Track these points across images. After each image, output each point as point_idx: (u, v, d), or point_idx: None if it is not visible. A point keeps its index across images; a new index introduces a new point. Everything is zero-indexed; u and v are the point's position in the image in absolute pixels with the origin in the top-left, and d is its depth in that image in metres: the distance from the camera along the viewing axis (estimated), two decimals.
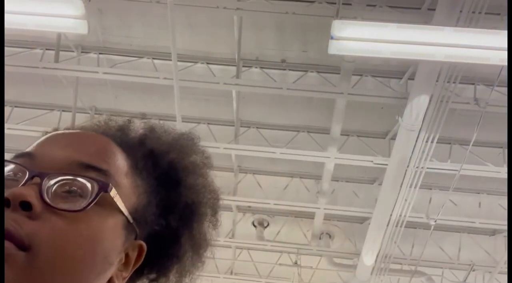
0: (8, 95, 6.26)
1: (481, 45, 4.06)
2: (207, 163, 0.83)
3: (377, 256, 6.97)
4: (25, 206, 0.59)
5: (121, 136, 0.76)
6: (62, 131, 0.72)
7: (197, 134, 0.86)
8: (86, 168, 0.64)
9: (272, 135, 6.51)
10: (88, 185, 0.63)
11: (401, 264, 7.60)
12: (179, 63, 5.20)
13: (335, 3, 4.43)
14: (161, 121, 0.85)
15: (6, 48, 5.49)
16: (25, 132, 6.20)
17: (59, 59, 5.58)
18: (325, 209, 6.96)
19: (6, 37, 5.25)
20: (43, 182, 0.62)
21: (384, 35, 4.14)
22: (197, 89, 5.89)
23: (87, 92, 6.37)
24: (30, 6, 4.18)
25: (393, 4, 4.86)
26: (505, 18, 4.52)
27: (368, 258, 6.99)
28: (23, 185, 0.62)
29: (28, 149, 0.70)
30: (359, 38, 4.19)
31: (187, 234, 0.77)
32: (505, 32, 3.94)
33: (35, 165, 0.65)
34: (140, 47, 5.90)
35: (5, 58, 5.37)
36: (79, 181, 0.63)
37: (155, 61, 5.87)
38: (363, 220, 7.45)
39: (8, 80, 5.73)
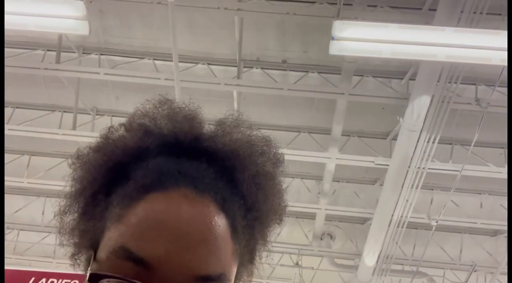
0: (9, 96, 6.26)
1: (482, 46, 4.06)
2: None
3: (378, 256, 6.96)
4: None
5: (220, 193, 0.67)
6: (178, 210, 0.63)
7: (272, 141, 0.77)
8: (205, 281, 0.61)
9: (273, 136, 6.50)
10: None
11: (402, 264, 7.60)
12: (180, 64, 5.21)
13: (336, 4, 4.42)
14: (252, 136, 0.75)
15: (7, 49, 5.49)
16: (27, 133, 6.21)
17: (60, 60, 5.59)
18: (326, 209, 6.96)
19: (7, 38, 5.25)
20: None
21: (385, 36, 4.14)
22: (198, 90, 5.88)
23: (88, 93, 6.38)
24: (31, 7, 4.18)
25: (394, 5, 4.86)
26: (506, 18, 4.52)
27: (369, 259, 6.99)
28: None
29: (139, 250, 0.60)
30: (360, 38, 4.19)
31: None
32: (506, 32, 3.94)
33: (152, 278, 0.59)
34: (141, 48, 5.90)
35: (6, 59, 5.37)
36: None
37: (156, 62, 5.87)
38: (364, 221, 7.44)
39: (9, 81, 5.73)
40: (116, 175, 0.69)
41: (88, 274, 0.62)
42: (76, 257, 0.72)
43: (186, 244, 0.61)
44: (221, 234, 0.64)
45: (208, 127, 0.75)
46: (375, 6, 4.88)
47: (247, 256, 0.71)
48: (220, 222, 0.64)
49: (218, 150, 0.71)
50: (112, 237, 0.63)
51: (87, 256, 0.69)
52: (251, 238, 0.71)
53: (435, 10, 4.35)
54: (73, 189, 0.73)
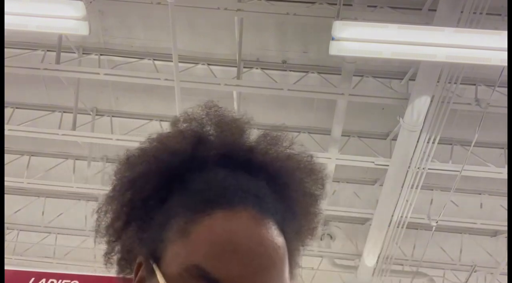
0: (9, 97, 6.26)
1: (482, 46, 4.06)
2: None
3: (378, 257, 6.96)
4: None
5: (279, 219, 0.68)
6: (250, 233, 0.63)
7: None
8: None
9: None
10: None
11: (402, 265, 7.60)
12: (180, 64, 5.21)
13: (335, 4, 4.42)
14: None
15: (7, 50, 5.49)
16: (27, 133, 6.21)
17: (60, 61, 5.59)
18: (326, 210, 6.96)
19: (7, 39, 5.25)
20: None
21: (385, 36, 4.14)
22: (198, 90, 5.88)
23: (88, 93, 6.38)
24: (31, 8, 4.18)
25: (394, 5, 4.86)
26: (506, 18, 4.52)
27: (369, 259, 6.99)
28: None
29: (214, 271, 0.60)
30: (360, 39, 4.19)
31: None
32: (506, 33, 3.94)
33: None
34: (141, 48, 5.90)
35: (6, 59, 5.38)
36: None
37: (156, 62, 5.87)
38: (364, 221, 7.44)
39: (9, 82, 5.74)
40: (171, 182, 0.68)
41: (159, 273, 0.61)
42: (110, 257, 0.71)
43: (258, 267, 0.61)
44: (284, 258, 0.65)
45: (257, 140, 0.75)
46: (375, 6, 4.88)
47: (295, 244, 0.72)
48: (282, 245, 0.65)
49: (272, 165, 0.71)
50: (181, 253, 0.62)
51: (136, 261, 0.68)
52: (297, 233, 0.72)
53: (435, 10, 4.35)
54: (118, 191, 0.71)
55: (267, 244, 0.63)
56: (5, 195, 7.04)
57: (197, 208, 0.64)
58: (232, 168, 0.69)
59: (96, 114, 6.67)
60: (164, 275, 0.62)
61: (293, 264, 0.70)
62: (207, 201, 0.64)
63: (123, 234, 0.70)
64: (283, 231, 0.67)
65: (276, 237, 0.65)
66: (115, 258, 0.71)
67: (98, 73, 5.59)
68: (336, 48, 4.22)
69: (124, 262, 0.70)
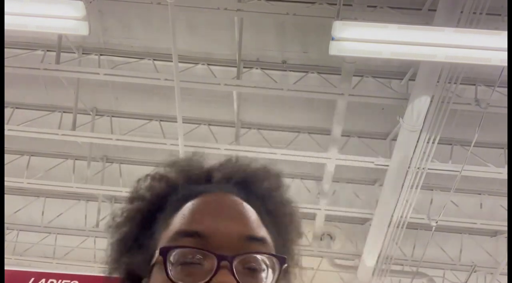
0: (9, 97, 6.26)
1: (481, 46, 4.06)
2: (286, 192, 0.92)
3: (378, 257, 6.96)
4: None
5: (242, 191, 0.81)
6: (215, 199, 0.76)
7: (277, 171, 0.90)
8: (252, 240, 0.72)
9: (273, 137, 6.51)
10: (268, 261, 0.72)
11: (402, 265, 7.59)
12: (180, 64, 5.20)
13: (335, 4, 4.42)
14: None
15: (7, 50, 5.49)
16: (26, 133, 6.21)
17: (60, 61, 5.59)
18: (326, 210, 6.96)
19: (7, 39, 5.25)
20: (234, 266, 0.68)
21: (384, 36, 4.14)
22: (198, 90, 5.89)
23: (88, 93, 6.38)
24: (31, 8, 4.18)
25: (394, 5, 4.86)
26: (506, 19, 4.52)
27: (369, 259, 6.99)
28: (217, 270, 0.68)
29: (192, 227, 0.72)
30: (360, 39, 4.19)
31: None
32: (506, 33, 3.94)
33: (210, 244, 0.70)
34: (141, 48, 5.90)
35: (6, 59, 5.38)
36: (260, 257, 0.71)
37: (156, 62, 5.87)
38: (364, 221, 7.44)
39: (9, 82, 5.73)
40: (155, 214, 0.81)
41: (158, 249, 0.72)
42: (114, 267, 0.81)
43: (229, 216, 0.73)
44: (253, 213, 0.76)
45: (218, 163, 0.89)
46: (375, 6, 4.88)
47: (281, 248, 0.80)
48: (249, 207, 0.77)
49: (232, 175, 0.84)
50: (165, 235, 0.74)
51: (142, 263, 0.78)
52: (277, 235, 0.80)
53: (434, 10, 4.34)
54: (116, 228, 0.84)
55: (234, 203, 0.76)
56: (5, 195, 7.04)
57: (176, 205, 0.77)
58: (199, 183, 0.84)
59: (96, 114, 6.66)
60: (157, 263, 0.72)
61: (279, 241, 0.79)
62: (183, 197, 0.78)
63: (122, 259, 0.81)
64: (252, 204, 0.78)
65: (242, 201, 0.77)
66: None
67: (98, 73, 5.59)
68: (336, 48, 4.22)
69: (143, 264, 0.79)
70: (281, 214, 0.84)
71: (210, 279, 0.67)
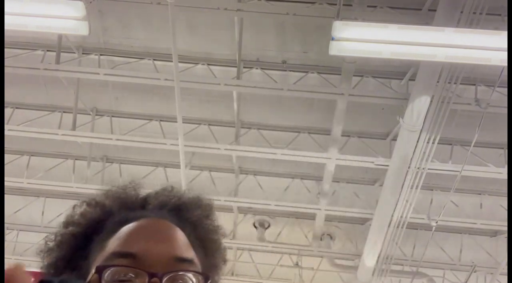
0: (9, 97, 6.27)
1: (481, 46, 4.06)
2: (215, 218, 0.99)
3: (378, 257, 6.96)
4: None
5: (174, 217, 0.88)
6: (148, 224, 0.83)
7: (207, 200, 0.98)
8: (181, 261, 0.79)
9: (273, 136, 6.51)
10: (194, 279, 0.79)
11: (402, 265, 7.59)
12: (180, 64, 5.20)
13: (335, 4, 4.42)
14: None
15: (7, 50, 5.49)
16: (26, 133, 6.21)
17: (60, 61, 5.59)
18: (326, 210, 6.96)
19: (7, 39, 5.25)
20: (163, 282, 0.74)
21: (384, 36, 4.14)
22: (198, 90, 5.89)
23: (88, 93, 6.38)
24: (31, 8, 4.18)
25: (394, 5, 4.86)
26: (506, 19, 4.52)
27: (369, 259, 6.98)
28: None
29: (126, 248, 0.78)
30: (360, 39, 4.19)
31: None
32: (506, 33, 3.94)
33: (142, 264, 0.76)
34: (141, 48, 5.90)
35: (6, 59, 5.38)
36: (187, 275, 0.78)
37: (156, 62, 5.87)
38: (364, 221, 7.44)
39: (9, 82, 5.74)
40: (93, 231, 0.86)
41: (94, 268, 0.76)
42: None
43: (160, 239, 0.80)
44: (183, 238, 0.83)
45: (152, 192, 0.96)
46: (375, 6, 4.88)
47: (208, 269, 0.87)
48: (179, 231, 0.84)
49: (166, 202, 0.91)
50: (100, 256, 0.79)
51: None
52: (205, 258, 0.87)
53: (434, 10, 4.34)
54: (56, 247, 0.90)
55: (165, 226, 0.83)
56: (5, 195, 7.04)
57: (113, 229, 0.82)
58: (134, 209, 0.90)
59: (96, 114, 6.66)
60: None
61: (206, 263, 0.87)
62: (119, 222, 0.83)
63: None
64: (182, 228, 0.84)
65: (173, 225, 0.83)
66: None
67: (98, 73, 5.59)
68: (336, 48, 4.22)
69: None
70: (209, 240, 0.92)
71: None
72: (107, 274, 0.74)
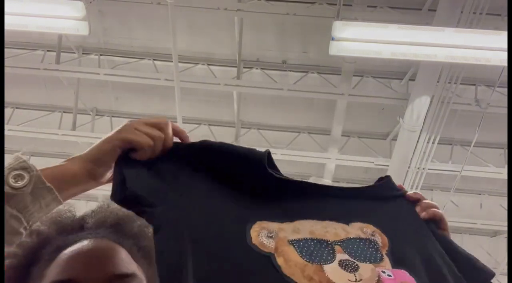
0: (9, 97, 6.27)
1: (482, 46, 4.06)
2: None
3: None
4: None
5: (115, 234, 0.87)
6: (85, 247, 0.81)
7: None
8: (121, 278, 0.79)
9: (273, 137, 6.51)
10: None
11: None
12: (180, 64, 5.21)
13: (335, 4, 4.42)
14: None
15: (7, 50, 5.49)
16: (26, 133, 6.21)
17: (60, 61, 5.59)
18: None
19: (7, 39, 5.25)
20: None
21: (385, 36, 4.14)
22: (198, 90, 5.89)
23: (88, 93, 6.38)
24: (31, 8, 4.18)
25: (394, 5, 4.86)
26: (506, 19, 4.52)
27: None
28: None
29: (64, 276, 0.77)
30: (360, 39, 4.19)
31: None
32: (506, 33, 3.94)
33: None
34: (141, 48, 5.90)
35: (6, 59, 5.37)
36: None
37: (156, 62, 5.87)
38: None
39: (9, 82, 5.73)
40: (30, 261, 0.84)
41: None
42: None
43: (98, 259, 0.79)
44: (123, 253, 0.82)
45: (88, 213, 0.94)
46: (375, 6, 4.88)
47: (152, 276, 0.87)
48: (118, 247, 0.83)
49: (104, 220, 0.88)
50: None
51: None
52: (149, 267, 0.87)
53: (435, 10, 4.35)
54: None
55: (102, 245, 0.82)
56: None
57: (50, 257, 0.81)
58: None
59: (96, 115, 6.66)
60: None
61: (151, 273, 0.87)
62: (56, 249, 0.81)
63: None
64: (121, 243, 0.84)
65: (111, 243, 0.82)
66: None
67: (98, 74, 5.59)
68: (336, 48, 4.22)
69: None
70: (152, 248, 0.91)
71: None
72: None
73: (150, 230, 0.93)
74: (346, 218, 0.90)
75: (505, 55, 4.00)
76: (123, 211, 0.92)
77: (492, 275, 0.95)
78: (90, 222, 0.89)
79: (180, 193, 0.93)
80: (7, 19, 4.03)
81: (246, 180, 0.95)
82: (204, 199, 0.92)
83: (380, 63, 5.47)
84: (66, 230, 0.87)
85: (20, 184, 0.93)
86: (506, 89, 5.15)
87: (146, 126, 1.00)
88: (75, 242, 0.82)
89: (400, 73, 5.71)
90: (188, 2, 4.73)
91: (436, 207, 1.20)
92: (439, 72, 4.70)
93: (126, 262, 0.82)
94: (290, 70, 5.88)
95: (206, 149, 1.00)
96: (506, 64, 4.11)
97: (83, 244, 0.82)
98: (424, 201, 1.24)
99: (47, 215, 0.89)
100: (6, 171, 0.96)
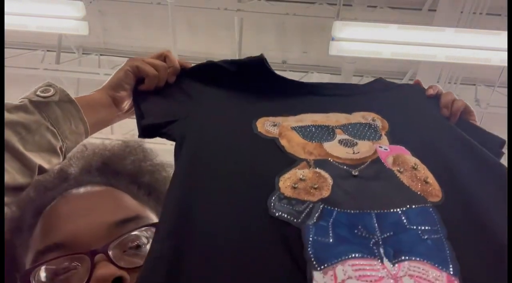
0: (9, 97, 6.26)
1: (482, 46, 4.06)
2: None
3: None
4: (118, 281, 0.62)
5: (110, 176, 0.77)
6: (70, 199, 0.70)
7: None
8: (124, 223, 0.68)
9: None
10: (148, 232, 0.68)
11: None
12: None
13: (335, 4, 4.43)
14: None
15: (6, 50, 5.49)
16: None
17: (60, 61, 5.59)
18: None
19: (7, 39, 5.25)
20: (110, 255, 0.64)
21: (384, 36, 4.14)
22: None
23: (88, 93, 6.38)
24: (31, 8, 4.19)
25: (394, 5, 4.87)
26: (506, 19, 4.53)
27: None
28: (93, 266, 0.62)
29: (52, 240, 0.65)
30: (360, 39, 4.19)
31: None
32: (506, 33, 3.94)
33: (79, 247, 0.64)
34: (141, 48, 5.90)
35: (6, 59, 5.38)
36: (136, 234, 0.67)
37: None
38: None
39: (9, 82, 5.72)
40: (13, 235, 0.74)
41: (22, 274, 0.65)
42: None
43: (89, 210, 0.66)
44: (119, 196, 0.71)
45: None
46: (375, 6, 4.88)
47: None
48: (111, 190, 0.72)
49: (89, 163, 0.80)
50: (28, 260, 0.67)
51: None
52: (157, 202, 0.77)
53: (435, 10, 4.35)
54: None
55: (97, 192, 0.70)
56: None
57: (32, 224, 0.70)
58: None
59: None
60: None
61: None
62: (39, 210, 0.71)
63: None
64: (115, 185, 0.74)
65: (108, 189, 0.72)
66: None
67: (98, 73, 5.59)
68: (336, 48, 4.22)
69: None
70: (156, 180, 0.82)
71: (89, 278, 0.62)
72: (38, 276, 0.63)
73: (148, 163, 0.83)
74: (348, 110, 0.93)
75: (505, 55, 4.00)
76: (109, 149, 0.84)
77: (503, 141, 0.99)
78: (74, 171, 0.78)
79: (192, 104, 0.97)
80: (7, 19, 4.03)
81: (251, 82, 1.05)
82: (216, 104, 0.98)
83: (380, 63, 5.47)
84: (46, 186, 0.76)
85: (47, 94, 0.87)
86: (506, 89, 5.15)
87: (149, 59, 1.06)
88: (53, 198, 0.71)
89: (400, 74, 5.71)
90: (188, 2, 4.74)
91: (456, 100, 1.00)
92: (439, 72, 4.71)
93: (125, 205, 0.71)
94: (290, 70, 5.88)
95: (212, 64, 1.17)
96: (506, 64, 4.11)
97: (66, 197, 0.71)
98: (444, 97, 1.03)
99: (77, 143, 0.77)
100: (32, 90, 0.91)
